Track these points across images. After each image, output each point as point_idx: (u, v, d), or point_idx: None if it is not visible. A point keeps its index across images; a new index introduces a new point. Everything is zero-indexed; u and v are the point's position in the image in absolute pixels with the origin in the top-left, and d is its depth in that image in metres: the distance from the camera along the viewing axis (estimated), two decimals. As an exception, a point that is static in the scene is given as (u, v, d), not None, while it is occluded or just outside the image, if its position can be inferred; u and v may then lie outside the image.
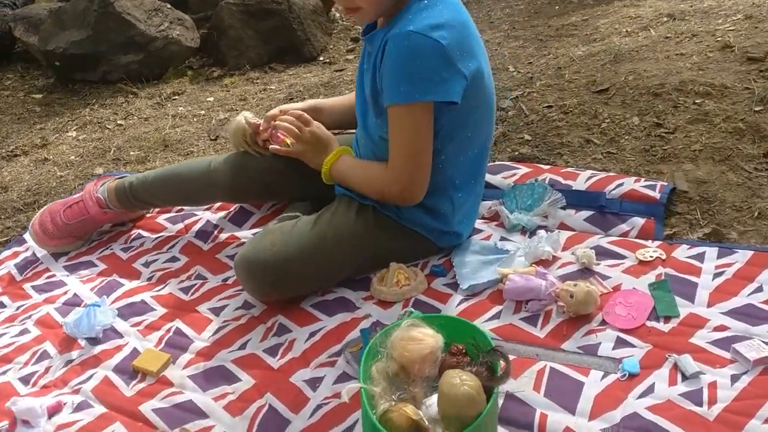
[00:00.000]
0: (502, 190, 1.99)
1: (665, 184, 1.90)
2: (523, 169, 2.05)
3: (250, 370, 1.59)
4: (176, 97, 3.30)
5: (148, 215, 2.24)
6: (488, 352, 1.24)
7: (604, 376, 1.43)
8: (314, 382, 1.53)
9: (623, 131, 2.20)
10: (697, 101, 2.24)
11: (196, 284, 1.90)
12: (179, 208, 2.24)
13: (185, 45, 3.63)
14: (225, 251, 2.02)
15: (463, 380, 1.15)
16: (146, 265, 2.01)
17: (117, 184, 2.08)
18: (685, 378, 1.39)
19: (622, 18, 3.32)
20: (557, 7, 4.02)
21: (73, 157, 2.80)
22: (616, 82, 2.43)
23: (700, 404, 1.33)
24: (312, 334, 1.66)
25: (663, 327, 1.53)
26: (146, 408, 1.54)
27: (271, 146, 1.84)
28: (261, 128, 1.87)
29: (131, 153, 2.74)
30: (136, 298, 1.87)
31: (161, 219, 2.21)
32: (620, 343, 1.50)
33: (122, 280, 1.96)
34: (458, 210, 1.77)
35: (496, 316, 1.63)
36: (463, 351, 1.29)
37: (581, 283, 1.58)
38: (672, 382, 1.40)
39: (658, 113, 2.23)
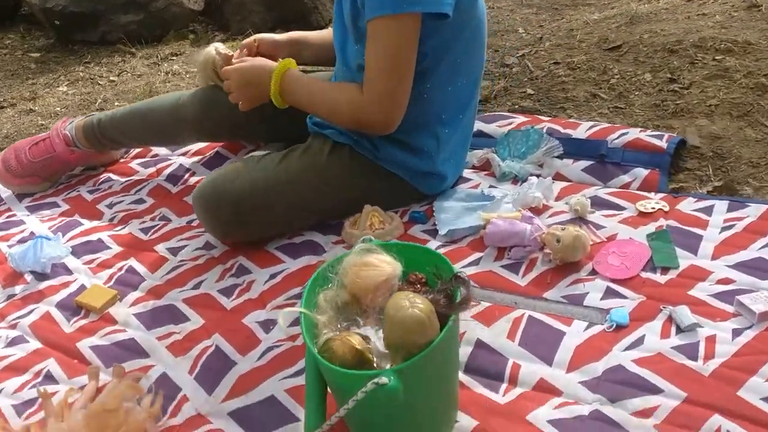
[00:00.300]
0: (495, 139, 1.82)
1: (674, 135, 1.73)
2: (519, 119, 1.88)
3: (201, 309, 1.45)
4: (174, 57, 3.18)
5: (121, 160, 2.11)
6: (449, 280, 1.08)
7: (588, 327, 1.27)
8: (267, 324, 1.38)
9: (633, 87, 2.03)
10: (717, 57, 2.06)
11: (158, 225, 1.76)
12: (154, 153, 2.10)
13: (187, 7, 3.51)
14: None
15: (413, 302, 0.99)
16: (110, 206, 1.88)
17: (85, 121, 1.95)
18: (680, 331, 1.23)
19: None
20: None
21: (58, 109, 2.70)
22: (630, 40, 2.26)
23: (694, 359, 1.17)
24: (272, 276, 1.51)
25: (659, 278, 1.36)
26: (84, 345, 1.41)
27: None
28: (234, 58, 1.72)
29: (116, 104, 2.62)
30: (93, 237, 1.74)
31: (134, 164, 2.08)
32: (610, 293, 1.34)
33: (83, 220, 1.83)
34: (443, 147, 1.60)
35: (475, 262, 1.47)
36: (423, 280, 1.13)
37: (570, 227, 1.41)
38: (665, 334, 1.23)
39: (673, 69, 2.06)
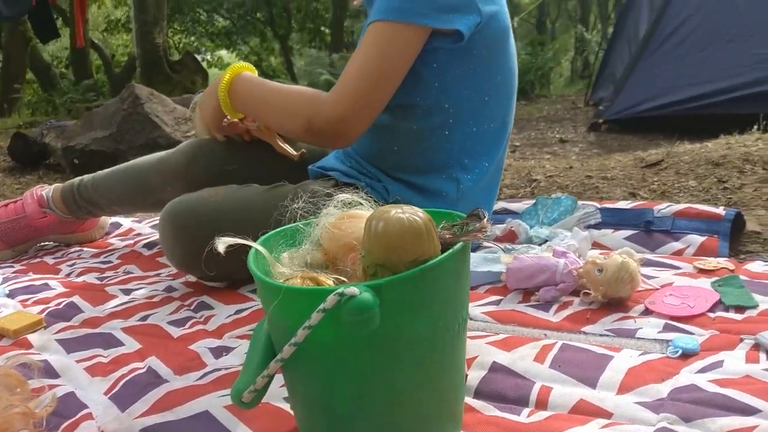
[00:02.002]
0: (520, 214, 1.58)
1: (729, 208, 1.47)
2: (549, 199, 1.65)
3: (140, 336, 1.14)
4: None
5: (99, 240, 1.88)
6: (461, 219, 0.80)
7: (643, 354, 0.94)
8: (220, 351, 1.06)
9: (677, 190, 1.80)
10: (767, 168, 1.85)
11: (118, 275, 1.49)
12: (137, 232, 1.87)
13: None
14: (168, 255, 1.62)
15: (404, 210, 0.71)
16: (71, 266, 1.62)
17: (66, 183, 1.76)
18: (772, 357, 0.89)
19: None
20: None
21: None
22: (669, 159, 2.08)
23: (799, 381, 0.82)
24: (238, 312, 1.21)
25: (734, 316, 1.04)
26: (-18, 365, 1.08)
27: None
28: None
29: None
30: (38, 282, 1.46)
31: (112, 239, 1.85)
32: (670, 329, 1.01)
33: (35, 275, 1.56)
34: (464, 196, 1.36)
35: (494, 303, 1.16)
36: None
37: (614, 255, 1.12)
38: (752, 359, 0.90)
39: (720, 176, 1.84)
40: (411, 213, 0.70)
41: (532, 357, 0.94)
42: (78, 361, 1.07)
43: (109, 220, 1.92)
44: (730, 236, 1.38)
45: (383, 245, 0.69)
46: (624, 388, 0.85)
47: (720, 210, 1.43)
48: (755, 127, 2.39)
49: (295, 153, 1.48)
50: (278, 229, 0.86)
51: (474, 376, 0.91)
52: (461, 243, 0.73)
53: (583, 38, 9.73)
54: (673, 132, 2.89)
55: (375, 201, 0.86)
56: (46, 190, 1.77)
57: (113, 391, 0.97)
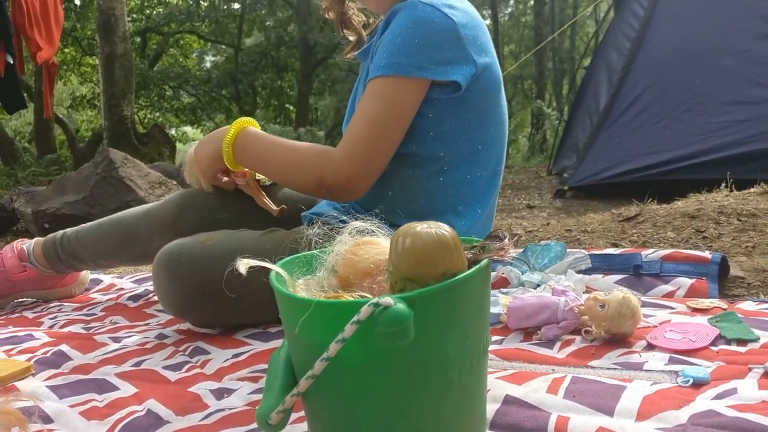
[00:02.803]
0: (510, 263, 1.59)
1: (715, 252, 1.50)
2: (536, 248, 1.66)
3: (137, 381, 1.11)
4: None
5: (79, 295, 1.83)
6: (479, 244, 0.80)
7: (654, 384, 0.94)
8: (221, 393, 1.03)
9: (656, 240, 1.84)
10: (741, 218, 1.91)
11: (105, 325, 1.45)
12: (119, 287, 1.83)
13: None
14: (155, 307, 1.58)
15: (431, 225, 0.72)
16: (53, 318, 1.57)
17: (48, 236, 1.73)
18: (785, 383, 0.90)
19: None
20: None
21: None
22: (645, 212, 2.13)
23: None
24: (235, 356, 1.18)
25: (737, 348, 1.05)
26: (-31, 412, 1.03)
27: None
28: None
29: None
30: (22, 333, 1.41)
31: (94, 293, 1.81)
32: (676, 362, 1.02)
33: (16, 327, 1.51)
34: None
35: (496, 342, 1.16)
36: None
37: (615, 291, 1.13)
38: (765, 386, 0.90)
39: (698, 227, 1.89)
40: (437, 227, 0.71)
41: (544, 389, 0.94)
42: (71, 406, 1.03)
43: (89, 276, 1.88)
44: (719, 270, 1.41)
45: (412, 259, 0.69)
46: (642, 416, 0.85)
47: (706, 254, 1.46)
48: (723, 185, 2.46)
49: (275, 208, 1.48)
50: (293, 256, 0.86)
51: (488, 409, 0.90)
52: (486, 260, 0.73)
53: (542, 112, 10.02)
54: (637, 196, 2.96)
55: (388, 229, 0.87)
56: (27, 243, 1.73)
57: (113, 433, 0.93)
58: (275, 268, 0.79)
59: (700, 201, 2.24)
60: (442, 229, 0.71)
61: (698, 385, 0.93)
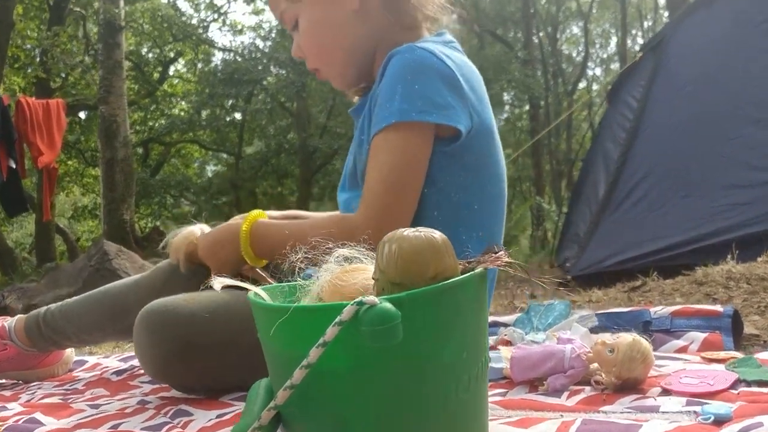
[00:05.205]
0: (512, 325, 1.52)
1: (727, 307, 1.44)
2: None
3: (112, 443, 1.02)
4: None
5: (62, 375, 1.74)
6: (475, 259, 0.75)
7: (672, 423, 0.86)
8: (203, 450, 0.95)
9: (665, 303, 1.77)
10: (752, 283, 1.84)
11: (84, 395, 1.37)
12: (104, 366, 1.75)
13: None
14: (140, 379, 1.50)
15: (420, 230, 0.67)
16: (31, 393, 1.48)
17: (31, 312, 1.67)
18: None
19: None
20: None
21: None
22: (652, 284, 2.07)
23: None
24: (219, 416, 1.10)
25: (758, 390, 0.98)
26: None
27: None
28: None
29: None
30: (-7, 405, 1.33)
31: (77, 372, 1.72)
32: (694, 404, 0.94)
33: (-11, 404, 1.42)
34: None
35: (500, 395, 1.08)
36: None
37: (623, 334, 1.06)
38: (794, 421, 0.82)
39: (707, 293, 1.82)
40: (426, 231, 0.66)
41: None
42: (39, 470, 0.94)
43: (73, 356, 1.79)
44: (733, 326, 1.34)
45: (399, 263, 0.64)
46: (662, 451, 0.77)
47: (717, 307, 1.39)
48: (728, 257, 2.41)
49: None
50: (276, 285, 0.81)
51: (492, 453, 0.82)
52: (481, 267, 0.68)
53: (542, 209, 10.06)
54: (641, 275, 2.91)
55: (374, 258, 0.82)
56: (9, 321, 1.66)
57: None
58: (255, 289, 0.73)
59: (706, 272, 2.18)
60: (432, 232, 0.66)
61: (720, 422, 0.85)
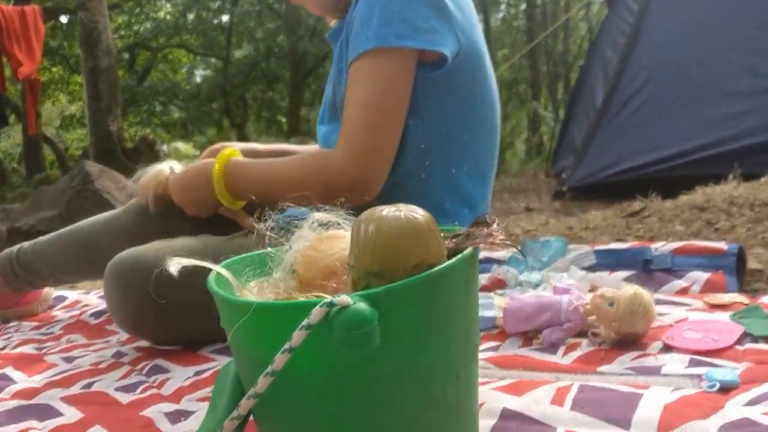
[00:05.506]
0: (506, 262, 1.45)
1: (731, 244, 1.37)
2: (535, 245, 1.53)
3: (83, 406, 0.97)
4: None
5: (42, 313, 1.69)
6: (463, 231, 0.67)
7: (675, 390, 0.80)
8: (178, 415, 0.90)
9: (664, 235, 1.71)
10: (755, 209, 1.78)
11: (60, 344, 1.32)
12: (84, 304, 1.70)
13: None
14: (118, 323, 1.45)
15: (400, 209, 0.58)
16: (6, 339, 1.43)
17: (3, 252, 1.60)
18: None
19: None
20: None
21: None
22: (650, 207, 2.00)
23: None
24: (197, 373, 1.05)
25: (767, 346, 0.92)
26: None
27: None
28: None
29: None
30: (-36, 355, 1.28)
31: (57, 311, 1.67)
32: (698, 364, 0.89)
33: (-37, 350, 1.37)
34: None
35: (492, 349, 1.03)
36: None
37: (625, 286, 1.00)
38: (806, 390, 0.77)
39: (708, 220, 1.76)
40: (408, 210, 0.58)
41: (548, 400, 0.80)
42: (6, 437, 0.89)
43: (53, 292, 1.74)
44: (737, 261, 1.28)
45: (378, 249, 0.56)
46: (664, 428, 0.71)
47: (722, 245, 1.33)
48: (731, 176, 2.33)
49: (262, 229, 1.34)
50: (243, 256, 0.73)
51: (483, 425, 0.77)
52: (470, 249, 0.60)
53: (538, 114, 9.91)
54: (640, 194, 2.83)
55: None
56: (-20, 262, 1.59)
57: (46, 470, 0.80)
58: (216, 268, 0.65)
59: (707, 194, 2.11)
60: (414, 212, 0.58)
61: (726, 389, 0.79)
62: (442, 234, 0.62)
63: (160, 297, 1.08)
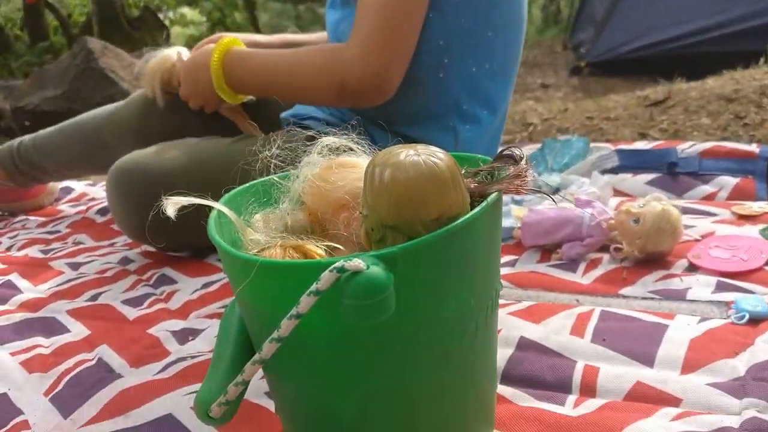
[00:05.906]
0: (525, 160, 1.39)
1: (763, 144, 1.30)
2: (554, 142, 1.47)
3: (90, 321, 0.95)
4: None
5: (49, 206, 1.67)
6: (488, 163, 0.61)
7: (702, 321, 0.77)
8: (185, 334, 0.88)
9: (690, 128, 1.63)
10: (788, 101, 1.68)
11: (66, 246, 1.29)
12: (91, 197, 1.66)
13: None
14: (125, 221, 1.42)
15: (420, 152, 0.52)
16: (13, 237, 1.41)
17: (5, 145, 1.55)
18: None
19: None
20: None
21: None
22: (674, 95, 1.90)
23: None
24: (205, 285, 1.02)
25: (799, 269, 0.88)
26: None
27: None
28: None
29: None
30: (-30, 259, 1.26)
31: (63, 205, 1.64)
32: (724, 288, 0.85)
33: (-30, 249, 1.35)
34: (464, 150, 1.16)
35: (509, 264, 0.99)
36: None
37: (652, 201, 0.95)
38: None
39: (736, 112, 1.67)
40: (428, 154, 0.51)
41: (568, 330, 0.77)
42: (13, 354, 0.88)
43: (58, 185, 1.71)
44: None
45: (393, 200, 0.50)
46: (689, 366, 0.69)
47: (753, 147, 1.26)
48: (762, 60, 2.22)
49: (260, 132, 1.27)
50: (247, 185, 0.67)
51: (500, 355, 0.74)
52: (495, 193, 0.54)
53: (557, -19, 9.46)
54: (660, 73, 2.69)
55: (369, 146, 0.67)
56: (-19, 156, 1.55)
57: (55, 391, 0.79)
58: (216, 205, 0.60)
59: (736, 80, 2.00)
60: (435, 156, 0.51)
61: (756, 320, 0.76)
62: (463, 171, 0.56)
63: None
